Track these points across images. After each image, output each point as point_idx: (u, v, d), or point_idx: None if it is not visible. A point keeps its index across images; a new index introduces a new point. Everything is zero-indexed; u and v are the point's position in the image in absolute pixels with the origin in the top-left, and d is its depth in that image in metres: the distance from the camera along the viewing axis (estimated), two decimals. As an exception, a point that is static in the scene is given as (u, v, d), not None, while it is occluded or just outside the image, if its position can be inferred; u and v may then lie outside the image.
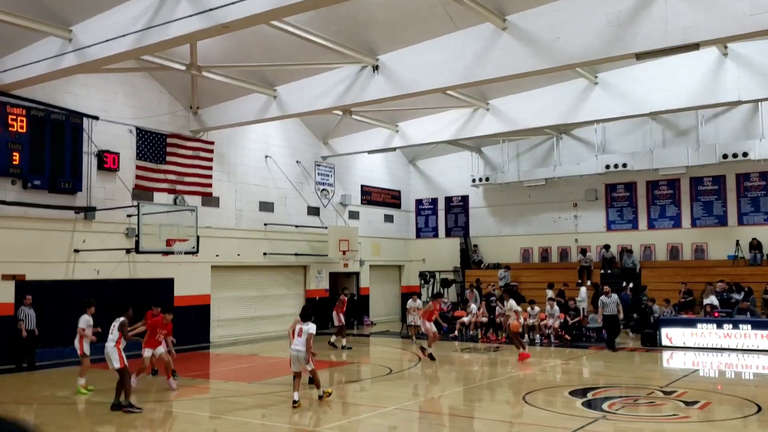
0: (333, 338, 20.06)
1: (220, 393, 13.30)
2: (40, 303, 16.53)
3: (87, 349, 12.97)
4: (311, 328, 11.32)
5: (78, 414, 11.03)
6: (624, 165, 24.18)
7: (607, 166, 24.50)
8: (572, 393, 12.31)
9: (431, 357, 16.25)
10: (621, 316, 19.02)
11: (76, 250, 17.91)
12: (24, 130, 16.79)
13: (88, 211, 18.13)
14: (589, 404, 11.35)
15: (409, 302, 21.58)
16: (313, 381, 11.65)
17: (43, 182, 17.15)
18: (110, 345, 11.33)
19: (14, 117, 16.62)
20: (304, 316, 11.52)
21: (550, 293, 22.20)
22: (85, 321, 12.87)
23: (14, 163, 16.55)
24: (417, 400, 12.40)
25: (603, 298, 18.90)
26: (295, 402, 11.02)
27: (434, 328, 17.07)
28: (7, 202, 16.48)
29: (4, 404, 11.87)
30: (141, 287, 18.94)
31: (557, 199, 27.08)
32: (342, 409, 11.61)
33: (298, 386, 11.19)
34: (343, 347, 19.35)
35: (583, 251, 25.08)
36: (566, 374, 15.14)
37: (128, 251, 18.64)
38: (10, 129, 16.51)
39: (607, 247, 25.20)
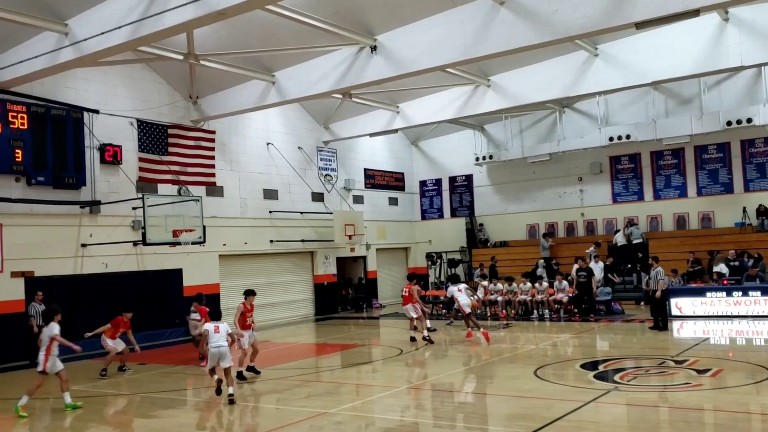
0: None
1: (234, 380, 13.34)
2: (51, 299, 16.58)
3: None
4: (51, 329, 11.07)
5: (94, 407, 11.10)
6: (628, 136, 24.05)
7: (611, 139, 24.37)
8: (583, 366, 12.33)
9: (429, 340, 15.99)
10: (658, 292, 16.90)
11: (84, 245, 17.97)
12: (25, 127, 16.77)
13: (93, 205, 18.15)
14: (601, 376, 11.37)
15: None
16: (227, 378, 10.97)
17: (46, 178, 17.16)
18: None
19: (15, 114, 16.60)
20: (214, 317, 11.34)
21: (591, 249, 22.78)
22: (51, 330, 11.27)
23: (17, 160, 16.56)
24: (429, 379, 12.44)
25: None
26: (220, 392, 10.96)
27: (414, 313, 16.61)
28: (12, 199, 16.52)
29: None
30: (150, 279, 19.03)
31: (562, 173, 26.98)
32: (355, 390, 11.66)
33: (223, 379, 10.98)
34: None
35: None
36: (577, 348, 15.16)
37: (135, 243, 18.67)
38: (11, 126, 16.50)
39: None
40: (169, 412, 10.87)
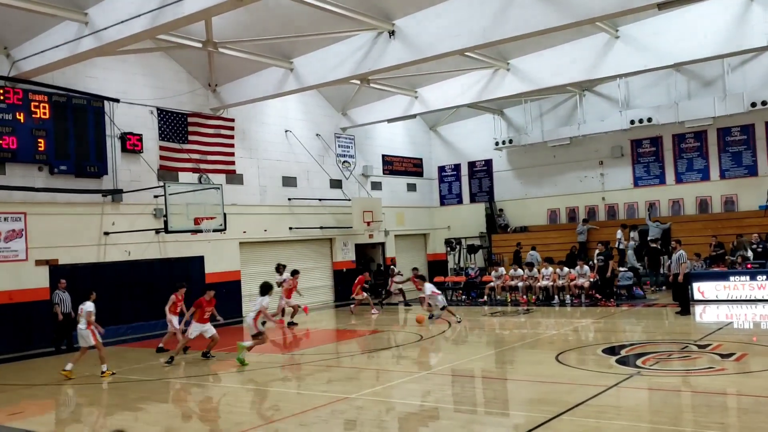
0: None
1: (256, 365, 13.49)
2: (74, 286, 16.82)
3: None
4: (88, 306, 12.57)
5: (119, 392, 11.27)
6: (649, 119, 23.79)
7: (632, 122, 24.14)
8: (605, 351, 12.27)
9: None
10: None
11: (106, 233, 18.17)
12: (47, 117, 16.94)
13: (116, 194, 18.33)
14: (622, 361, 11.29)
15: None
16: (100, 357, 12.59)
17: (69, 167, 17.34)
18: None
19: (37, 104, 16.77)
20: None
21: (620, 233, 22.76)
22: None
23: (40, 149, 16.74)
24: (449, 365, 12.46)
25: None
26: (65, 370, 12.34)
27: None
28: (35, 188, 16.72)
29: (48, 386, 12.18)
30: (172, 266, 19.20)
31: (582, 157, 26.74)
32: (376, 375, 11.71)
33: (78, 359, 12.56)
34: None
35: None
36: (598, 333, 15.09)
37: (158, 231, 18.87)
38: (34, 116, 16.67)
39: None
40: (192, 396, 11.01)
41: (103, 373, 12.45)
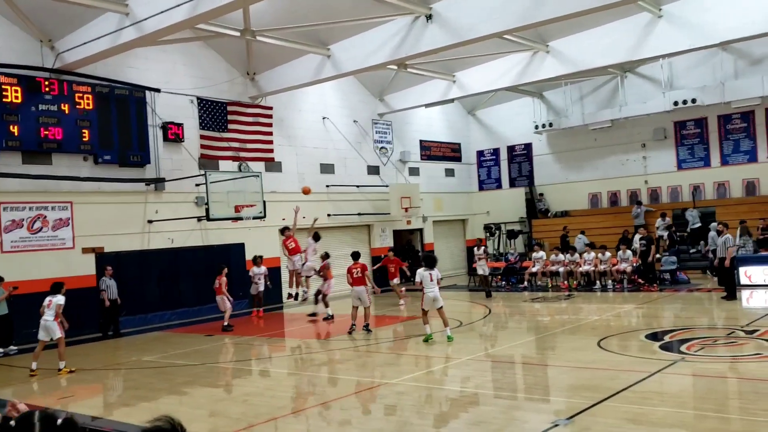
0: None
1: (296, 351, 13.66)
2: (120, 273, 17.23)
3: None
4: (59, 299, 12.23)
5: (165, 376, 11.52)
6: (693, 100, 23.18)
7: (676, 103, 23.55)
8: (648, 336, 12.08)
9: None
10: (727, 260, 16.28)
11: (150, 221, 18.53)
12: (91, 107, 17.28)
13: (158, 183, 18.66)
14: (666, 347, 11.11)
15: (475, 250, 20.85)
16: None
17: (113, 157, 17.69)
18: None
19: (81, 95, 17.12)
20: (53, 290, 12.38)
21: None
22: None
23: (84, 139, 17.11)
24: (489, 351, 12.42)
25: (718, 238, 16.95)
26: (32, 371, 11.99)
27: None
28: (80, 178, 17.11)
29: (95, 370, 12.52)
30: (214, 253, 19.49)
31: (624, 140, 26.23)
32: (415, 361, 11.74)
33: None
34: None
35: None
36: (641, 318, 14.86)
37: (199, 219, 19.16)
38: (78, 107, 17.02)
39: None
40: (235, 381, 11.20)
41: (60, 370, 12.06)
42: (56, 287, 12.45)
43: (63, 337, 12.29)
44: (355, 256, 15.52)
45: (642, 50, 18.54)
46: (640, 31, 18.22)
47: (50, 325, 12.09)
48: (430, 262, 13.18)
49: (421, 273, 12.85)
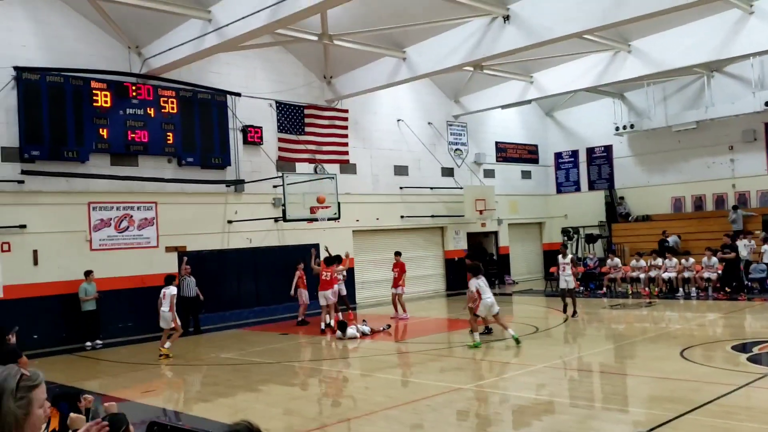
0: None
1: (368, 352, 13.73)
2: (200, 272, 17.76)
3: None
4: (172, 290, 13.52)
5: (242, 373, 11.81)
6: (787, 100, 21.99)
7: (767, 103, 22.39)
8: (735, 348, 11.53)
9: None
10: None
11: (230, 221, 19.06)
12: (175, 111, 17.93)
13: (238, 184, 19.16)
14: (755, 359, 10.57)
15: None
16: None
17: (195, 159, 18.29)
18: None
19: (165, 99, 17.78)
20: (166, 282, 13.65)
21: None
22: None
23: (168, 142, 17.76)
24: (566, 358, 12.14)
25: None
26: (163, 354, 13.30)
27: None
28: (165, 179, 17.77)
29: (176, 365, 12.96)
30: (289, 253, 19.85)
31: (710, 142, 25.14)
32: (489, 367, 11.61)
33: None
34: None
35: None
36: (727, 328, 14.20)
37: (276, 220, 19.58)
38: (163, 111, 17.69)
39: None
40: (310, 380, 11.36)
41: (161, 348, 13.55)
42: (169, 279, 13.80)
43: (178, 326, 13.65)
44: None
45: (730, 48, 17.72)
46: (728, 29, 17.43)
47: (166, 316, 13.46)
48: (478, 270, 13.33)
49: (478, 283, 12.93)
